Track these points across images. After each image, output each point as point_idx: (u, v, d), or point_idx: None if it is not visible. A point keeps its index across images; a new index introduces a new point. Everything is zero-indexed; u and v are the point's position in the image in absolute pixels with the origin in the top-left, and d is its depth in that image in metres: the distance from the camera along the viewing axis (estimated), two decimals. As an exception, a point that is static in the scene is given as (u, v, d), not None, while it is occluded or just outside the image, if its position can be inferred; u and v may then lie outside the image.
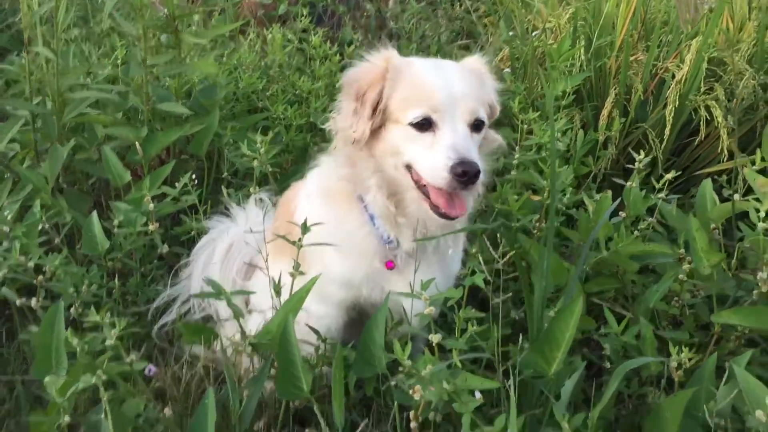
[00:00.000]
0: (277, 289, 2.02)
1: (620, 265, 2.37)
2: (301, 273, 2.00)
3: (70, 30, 3.92)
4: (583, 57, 3.31)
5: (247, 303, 2.40)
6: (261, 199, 2.59)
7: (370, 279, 2.06)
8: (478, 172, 1.77)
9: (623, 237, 2.34)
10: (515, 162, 2.79)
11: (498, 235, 2.31)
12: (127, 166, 2.86)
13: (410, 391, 1.69)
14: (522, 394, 1.86)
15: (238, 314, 1.98)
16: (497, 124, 2.33)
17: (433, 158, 1.82)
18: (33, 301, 2.20)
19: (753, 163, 2.47)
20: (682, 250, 2.34)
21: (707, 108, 3.14)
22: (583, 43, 3.31)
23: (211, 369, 2.17)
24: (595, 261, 2.38)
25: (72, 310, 2.23)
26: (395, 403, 1.83)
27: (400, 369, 1.74)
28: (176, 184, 2.70)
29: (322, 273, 2.00)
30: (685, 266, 2.24)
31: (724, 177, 2.75)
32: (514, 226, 2.61)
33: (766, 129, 2.54)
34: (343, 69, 3.68)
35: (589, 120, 3.35)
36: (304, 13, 4.26)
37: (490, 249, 2.16)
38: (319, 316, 2.11)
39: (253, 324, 2.11)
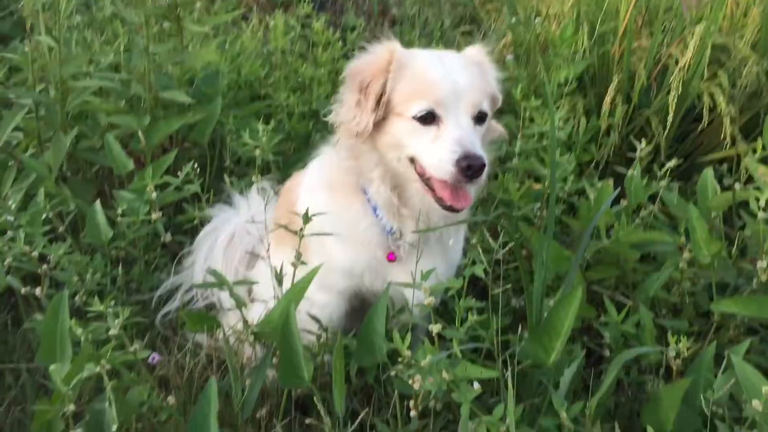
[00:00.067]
0: (279, 278, 2.03)
1: (621, 253, 2.37)
2: (303, 263, 2.01)
3: (72, 17, 3.90)
4: (586, 43, 3.28)
5: (249, 292, 2.42)
6: (263, 188, 2.60)
7: (372, 269, 2.08)
8: (484, 165, 1.78)
9: (624, 225, 2.35)
10: (517, 150, 2.79)
11: (498, 225, 2.31)
12: (130, 154, 2.86)
13: (410, 381, 1.71)
14: (521, 383, 1.87)
15: (240, 304, 2.00)
16: (499, 112, 2.33)
17: (438, 152, 1.82)
18: (37, 290, 2.24)
19: (755, 150, 2.47)
20: (683, 239, 2.34)
21: (711, 95, 3.12)
22: (586, 29, 3.29)
23: (214, 357, 2.19)
24: (596, 249, 2.39)
25: (76, 298, 2.26)
26: (396, 392, 1.85)
27: (400, 359, 1.76)
28: (179, 172, 2.70)
29: (324, 262, 2.01)
30: (686, 255, 2.25)
31: (726, 166, 2.74)
32: (515, 215, 2.61)
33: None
34: (345, 55, 3.68)
35: (591, 107, 3.33)
36: (307, -1, 4.25)
37: (490, 240, 2.17)
38: (322, 304, 2.13)
39: (256, 313, 2.12)
